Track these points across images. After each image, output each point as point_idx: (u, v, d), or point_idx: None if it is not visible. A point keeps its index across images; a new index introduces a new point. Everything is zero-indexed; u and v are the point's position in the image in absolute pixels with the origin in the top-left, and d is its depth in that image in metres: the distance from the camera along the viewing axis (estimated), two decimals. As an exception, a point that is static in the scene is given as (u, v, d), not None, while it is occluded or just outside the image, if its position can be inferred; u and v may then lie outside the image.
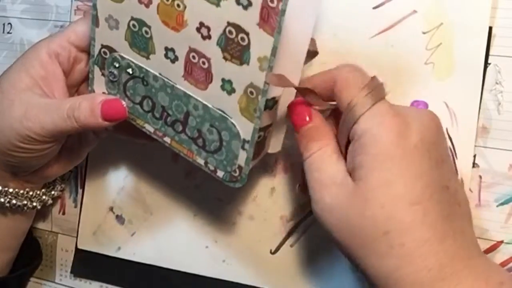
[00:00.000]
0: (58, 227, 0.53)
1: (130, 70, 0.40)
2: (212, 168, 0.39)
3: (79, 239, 0.52)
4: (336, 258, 0.44)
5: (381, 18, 0.42)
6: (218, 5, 0.34)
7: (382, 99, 0.34)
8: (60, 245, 0.54)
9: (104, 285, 0.52)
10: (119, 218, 0.51)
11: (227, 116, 0.37)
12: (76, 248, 0.52)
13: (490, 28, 0.40)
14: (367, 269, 0.33)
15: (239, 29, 0.34)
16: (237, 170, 0.38)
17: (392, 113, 0.33)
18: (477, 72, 0.40)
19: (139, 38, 0.39)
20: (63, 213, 0.53)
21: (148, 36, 0.38)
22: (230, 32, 0.34)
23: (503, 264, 0.40)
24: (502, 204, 0.40)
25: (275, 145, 0.41)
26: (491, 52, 0.40)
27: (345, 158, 0.35)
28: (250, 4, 0.33)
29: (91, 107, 0.39)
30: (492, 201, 0.40)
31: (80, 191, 0.52)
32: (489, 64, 0.40)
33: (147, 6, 0.37)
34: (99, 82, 0.42)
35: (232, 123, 0.37)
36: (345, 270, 0.44)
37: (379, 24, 0.42)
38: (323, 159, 0.35)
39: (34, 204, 0.47)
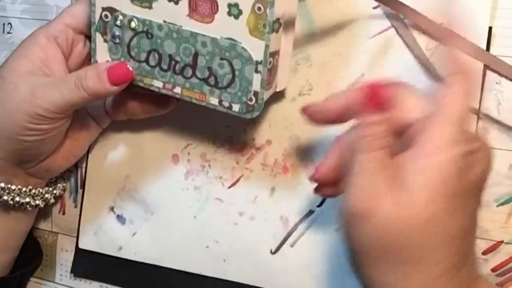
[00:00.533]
0: (58, 227, 0.53)
1: (133, 25, 0.40)
2: (227, 104, 0.39)
3: (80, 238, 0.52)
4: (336, 258, 0.45)
5: (381, 18, 0.42)
6: None
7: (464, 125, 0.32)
8: (60, 245, 0.54)
9: (104, 285, 0.52)
10: (120, 218, 0.51)
11: (236, 42, 0.38)
12: (76, 248, 0.52)
13: (490, 28, 0.40)
14: (379, 283, 0.33)
15: None
16: (253, 97, 0.38)
17: (463, 150, 0.31)
18: (477, 72, 0.40)
19: None
20: (63, 213, 0.53)
21: None
22: None
23: (503, 264, 0.40)
24: (502, 204, 0.40)
25: (282, 81, 0.41)
26: (491, 52, 0.40)
27: None
28: None
29: (97, 74, 0.40)
30: (492, 201, 0.40)
31: (80, 191, 0.52)
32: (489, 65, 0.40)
33: None
34: (101, 51, 0.42)
35: (242, 47, 0.37)
36: (345, 270, 0.44)
37: (379, 24, 0.42)
38: (380, 162, 0.32)
39: (37, 202, 0.47)
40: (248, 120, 0.46)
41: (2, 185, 0.44)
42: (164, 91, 0.41)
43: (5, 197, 0.44)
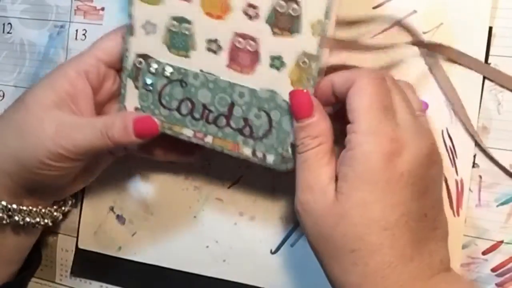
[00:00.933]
0: (58, 227, 0.53)
1: (167, 73, 0.40)
2: (260, 155, 0.39)
3: (80, 239, 0.52)
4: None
5: (381, 18, 0.42)
6: None
7: (389, 117, 0.34)
8: (60, 245, 0.53)
9: (104, 285, 0.52)
10: (120, 218, 0.51)
11: (277, 94, 0.38)
12: (76, 248, 0.52)
13: (490, 28, 0.40)
14: (331, 278, 0.35)
15: (290, 0, 0.36)
16: (289, 149, 0.38)
17: (390, 136, 0.33)
18: (477, 72, 0.40)
19: (179, 37, 0.39)
20: (63, 213, 0.53)
21: (188, 33, 0.39)
22: (280, 5, 0.36)
23: (503, 264, 0.40)
24: (502, 204, 0.40)
25: None
26: (491, 52, 0.40)
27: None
28: None
29: (124, 124, 0.40)
30: (492, 201, 0.40)
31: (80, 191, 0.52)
32: (489, 64, 0.40)
33: (189, 1, 0.38)
34: (131, 97, 0.42)
35: (283, 99, 0.38)
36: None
37: (379, 24, 0.42)
38: (316, 159, 0.35)
39: (46, 221, 0.46)
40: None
41: (14, 206, 0.43)
42: (194, 140, 0.41)
43: (16, 218, 0.44)
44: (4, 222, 0.43)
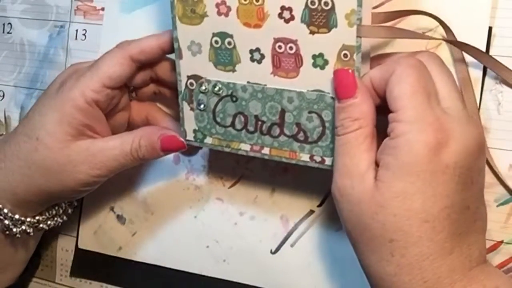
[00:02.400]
0: (58, 227, 0.53)
1: (218, 90, 0.40)
2: (318, 159, 0.39)
3: (80, 238, 0.52)
4: (336, 258, 0.45)
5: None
6: None
7: (434, 104, 0.33)
8: (60, 245, 0.54)
9: (104, 285, 0.52)
10: (120, 218, 0.51)
11: (324, 93, 0.37)
12: (76, 248, 0.52)
13: (490, 28, 0.40)
14: (366, 266, 0.34)
15: None
16: None
17: (436, 126, 0.32)
18: (477, 72, 0.40)
19: (223, 53, 0.39)
20: (63, 213, 0.53)
21: (231, 46, 0.39)
22: (312, 2, 0.35)
23: (503, 264, 0.40)
24: (502, 204, 0.40)
25: None
26: (491, 52, 0.40)
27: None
28: None
29: (151, 145, 0.42)
30: (492, 201, 0.40)
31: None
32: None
33: (226, 15, 0.38)
34: (188, 119, 0.42)
35: (331, 97, 0.37)
36: (345, 270, 0.44)
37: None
38: (355, 143, 0.34)
39: (49, 223, 0.47)
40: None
41: (23, 218, 0.44)
42: (252, 154, 0.41)
43: (24, 227, 0.44)
44: (15, 230, 0.44)
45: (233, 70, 0.40)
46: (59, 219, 0.47)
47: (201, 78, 0.41)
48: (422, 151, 0.32)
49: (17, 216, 0.43)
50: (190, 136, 0.43)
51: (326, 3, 0.35)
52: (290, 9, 0.36)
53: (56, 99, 0.42)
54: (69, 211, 0.48)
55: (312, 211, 0.45)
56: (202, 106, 0.41)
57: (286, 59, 0.38)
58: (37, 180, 0.42)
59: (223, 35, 0.39)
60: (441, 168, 0.32)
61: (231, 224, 0.47)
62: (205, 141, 0.42)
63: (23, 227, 0.44)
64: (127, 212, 0.51)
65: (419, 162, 0.32)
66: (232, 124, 0.41)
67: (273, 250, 0.46)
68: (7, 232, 0.44)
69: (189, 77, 0.41)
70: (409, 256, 0.32)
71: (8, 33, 0.54)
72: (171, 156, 0.49)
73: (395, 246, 0.32)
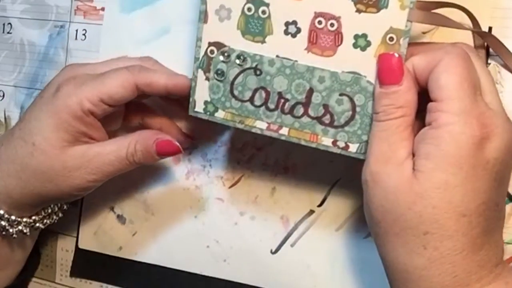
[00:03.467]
0: (58, 227, 0.53)
1: (241, 61, 0.38)
2: (342, 144, 0.37)
3: (80, 238, 0.52)
4: (336, 258, 0.45)
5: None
6: None
7: (479, 97, 0.33)
8: (60, 245, 0.53)
9: (104, 285, 0.52)
10: (120, 218, 0.51)
11: (361, 76, 0.36)
12: (76, 248, 0.52)
13: (490, 28, 0.40)
14: (391, 258, 0.34)
15: None
16: None
17: (481, 121, 0.32)
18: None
19: (255, 22, 0.37)
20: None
21: (265, 16, 0.37)
22: None
23: (503, 263, 0.40)
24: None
25: None
26: (491, 52, 0.40)
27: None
28: None
29: (147, 149, 0.42)
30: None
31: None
32: (489, 64, 0.40)
33: None
34: (201, 89, 0.40)
35: (368, 81, 0.36)
36: (345, 269, 0.44)
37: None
38: (397, 131, 0.34)
39: (46, 221, 0.46)
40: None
41: (19, 219, 0.44)
42: (267, 133, 0.39)
43: (20, 227, 0.44)
44: (11, 231, 0.44)
45: (262, 42, 0.37)
46: (55, 217, 0.47)
47: (225, 46, 0.38)
48: (466, 144, 0.31)
49: (13, 217, 0.43)
50: (199, 107, 0.40)
51: None
52: None
53: (53, 104, 0.41)
54: (65, 207, 0.48)
55: (312, 211, 0.45)
56: (220, 76, 0.39)
57: (324, 36, 0.36)
58: (32, 184, 0.42)
59: (258, 3, 0.37)
60: (482, 163, 0.32)
61: (232, 224, 0.47)
62: (216, 114, 0.40)
63: (20, 227, 0.44)
64: (127, 212, 0.50)
65: (463, 155, 0.31)
66: (251, 99, 0.38)
67: (273, 250, 0.46)
68: (4, 233, 0.43)
69: (210, 44, 0.39)
70: (442, 249, 0.32)
71: (8, 33, 0.54)
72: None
73: (429, 238, 0.32)
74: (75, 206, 0.52)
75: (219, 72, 0.39)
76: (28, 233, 0.44)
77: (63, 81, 0.42)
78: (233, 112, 0.39)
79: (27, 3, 0.53)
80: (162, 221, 0.49)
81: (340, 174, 0.44)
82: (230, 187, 0.47)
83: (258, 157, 0.46)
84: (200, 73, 0.39)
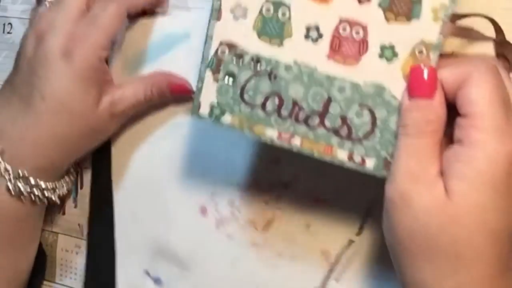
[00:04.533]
0: (58, 227, 0.53)
1: (255, 65, 0.36)
2: (358, 159, 0.35)
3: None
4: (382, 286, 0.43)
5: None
6: None
7: (509, 115, 0.31)
8: (60, 245, 0.53)
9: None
10: (158, 281, 0.49)
11: (385, 88, 0.34)
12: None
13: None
14: (415, 280, 0.32)
15: None
16: None
17: None
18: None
19: (273, 23, 0.35)
20: (63, 213, 0.53)
21: (285, 18, 0.35)
22: None
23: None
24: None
25: None
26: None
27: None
28: None
29: (161, 91, 0.45)
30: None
31: (80, 191, 0.52)
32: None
33: None
34: (208, 91, 0.37)
35: (392, 95, 0.34)
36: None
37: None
38: (427, 147, 0.32)
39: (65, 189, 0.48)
40: (271, 158, 0.44)
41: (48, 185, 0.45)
42: (277, 142, 0.36)
43: (48, 194, 0.45)
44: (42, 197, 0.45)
45: (280, 45, 0.35)
46: (66, 187, 0.48)
47: (237, 47, 0.36)
48: (502, 164, 0.30)
49: (42, 183, 0.44)
50: (204, 110, 0.37)
51: None
52: None
53: (72, 67, 0.42)
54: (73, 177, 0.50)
55: (351, 241, 0.43)
56: (230, 79, 0.37)
57: (348, 43, 0.34)
58: (76, 150, 0.45)
59: (278, 4, 0.35)
60: None
61: (271, 267, 0.45)
62: (223, 119, 0.37)
63: (48, 193, 0.45)
64: (163, 272, 0.48)
65: (499, 175, 0.30)
66: (263, 105, 0.36)
67: (317, 288, 0.44)
68: (37, 200, 0.44)
69: (222, 43, 0.36)
70: (474, 273, 0.31)
71: (8, 33, 0.54)
72: (198, 208, 0.47)
73: (462, 262, 0.31)
74: (75, 206, 0.52)
75: (229, 74, 0.37)
76: (56, 200, 0.46)
77: (67, 41, 0.42)
78: (242, 118, 0.37)
79: (27, 3, 0.53)
80: (199, 277, 0.47)
81: (373, 199, 0.42)
82: (263, 229, 0.45)
83: (286, 194, 0.44)
84: (209, 73, 0.37)
